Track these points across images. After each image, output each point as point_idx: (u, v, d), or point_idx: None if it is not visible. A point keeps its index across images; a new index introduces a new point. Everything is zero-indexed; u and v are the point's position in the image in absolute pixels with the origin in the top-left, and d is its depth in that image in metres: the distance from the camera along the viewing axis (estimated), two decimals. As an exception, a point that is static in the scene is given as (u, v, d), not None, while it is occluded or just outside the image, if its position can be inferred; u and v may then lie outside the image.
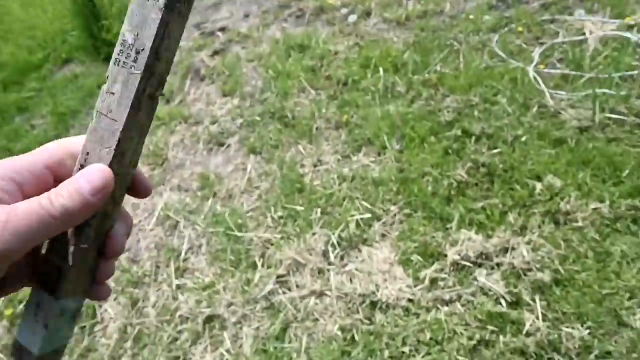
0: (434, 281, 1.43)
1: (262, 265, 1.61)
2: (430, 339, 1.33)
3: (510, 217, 1.52)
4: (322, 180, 1.84)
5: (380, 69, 2.15)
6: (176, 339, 1.53)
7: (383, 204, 1.68)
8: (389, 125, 1.92)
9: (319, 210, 1.72)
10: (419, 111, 1.94)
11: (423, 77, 2.08)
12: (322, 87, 2.25)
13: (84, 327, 1.63)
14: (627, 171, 1.54)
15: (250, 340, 1.46)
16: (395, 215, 1.65)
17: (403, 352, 1.32)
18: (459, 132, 1.79)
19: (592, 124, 1.72)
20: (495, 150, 1.71)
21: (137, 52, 0.33)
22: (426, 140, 1.82)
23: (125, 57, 0.34)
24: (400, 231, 1.60)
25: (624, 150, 1.61)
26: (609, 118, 1.73)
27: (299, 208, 1.74)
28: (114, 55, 0.34)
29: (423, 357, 1.30)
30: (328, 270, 1.54)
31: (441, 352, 1.29)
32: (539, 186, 1.57)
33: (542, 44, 2.13)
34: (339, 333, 1.41)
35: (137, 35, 0.33)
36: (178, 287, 1.65)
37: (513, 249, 1.44)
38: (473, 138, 1.77)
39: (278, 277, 1.57)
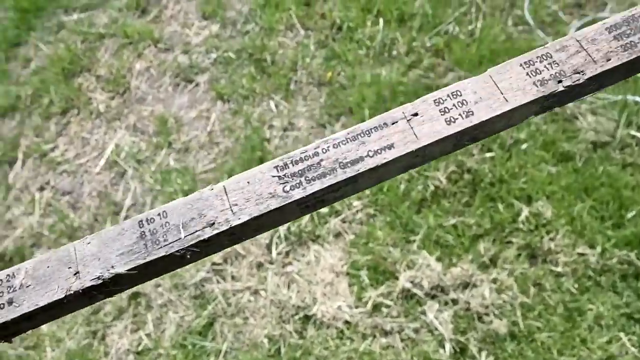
0: (377, 306, 1.25)
1: (200, 246, 1.43)
2: (358, 372, 1.18)
3: (482, 244, 1.29)
4: (288, 150, 1.58)
5: (381, 20, 1.77)
6: (98, 311, 1.41)
7: (346, 196, 1.45)
8: (375, 95, 1.61)
9: (275, 189, 1.49)
10: (414, 84, 1.61)
11: (429, 38, 1.70)
12: (313, 28, 1.88)
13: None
14: (633, 212, 1.27)
15: (173, 329, 1.33)
16: (356, 212, 1.43)
17: (325, 382, 1.19)
18: (451, 123, 1.48)
19: (611, 140, 1.41)
20: (487, 155, 1.42)
21: None
22: (412, 125, 1.52)
23: None
24: (357, 234, 1.38)
25: (638, 183, 1.32)
26: (633, 136, 1.40)
27: (253, 183, 1.51)
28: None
29: (344, 392, 1.16)
30: (267, 268, 1.36)
31: (365, 391, 1.15)
32: (525, 211, 1.31)
33: (583, 16, 1.71)
34: (265, 341, 1.27)
35: None
36: (109, 253, 1.49)
37: (474, 286, 1.23)
38: (466, 134, 1.47)
39: (214, 264, 1.39)
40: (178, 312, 1.35)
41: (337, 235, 1.40)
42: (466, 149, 1.43)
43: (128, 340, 1.33)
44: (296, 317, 1.28)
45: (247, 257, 1.39)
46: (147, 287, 1.39)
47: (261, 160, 1.57)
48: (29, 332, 1.34)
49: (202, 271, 1.38)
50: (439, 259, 1.28)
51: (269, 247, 1.39)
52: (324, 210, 1.41)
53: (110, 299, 1.37)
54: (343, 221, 1.42)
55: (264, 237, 1.40)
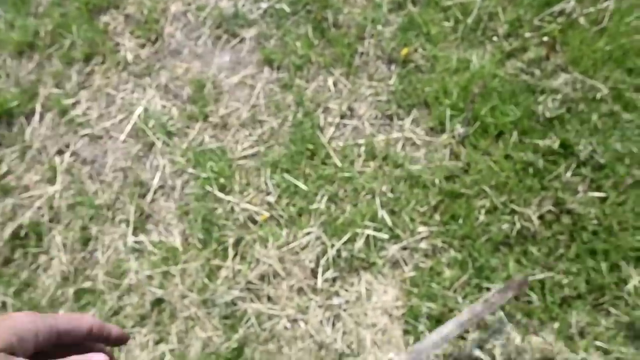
0: (436, 369, 1.03)
1: (235, 256, 1.20)
2: None
3: (574, 312, 1.02)
4: (345, 146, 1.27)
5: (482, -15, 1.33)
6: (118, 312, 1.23)
7: (411, 219, 1.17)
8: (461, 87, 1.25)
9: (325, 196, 1.21)
10: (512, 81, 1.23)
11: (540, 20, 1.28)
12: (390, -18, 1.45)
13: (27, 252, 1.33)
14: None
15: (198, 347, 1.15)
16: (420, 241, 1.15)
17: None
18: (555, 145, 1.13)
19: None
20: (595, 194, 1.10)
21: None
22: (505, 139, 1.18)
23: None
24: (419, 269, 1.12)
25: None
26: None
27: (301, 185, 1.23)
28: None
29: None
30: (310, 298, 1.13)
31: None
32: (636, 279, 1.02)
33: None
34: (301, 381, 1.08)
35: None
36: (134, 249, 1.27)
37: (558, 365, 0.99)
38: (574, 161, 1.13)
39: (249, 282, 1.17)
40: (206, 330, 1.15)
41: (395, 265, 1.15)
42: (569, 184, 1.11)
43: (150, 353, 1.16)
44: (339, 363, 1.07)
45: (288, 280, 1.16)
46: (172, 295, 1.19)
47: (312, 155, 1.27)
48: None
49: (235, 289, 1.16)
50: (516, 322, 1.03)
51: (314, 271, 1.15)
52: (383, 235, 1.14)
53: (131, 302, 1.18)
54: (404, 249, 1.15)
55: (309, 259, 1.15)
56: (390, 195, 1.19)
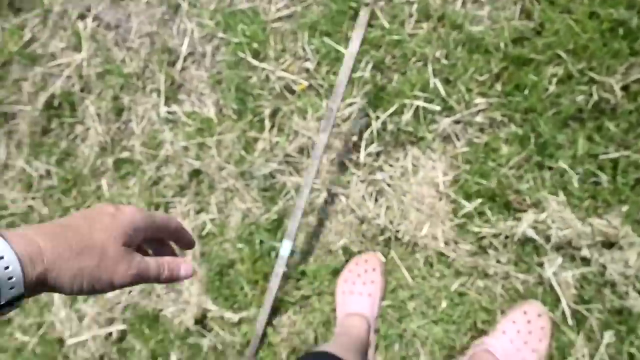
0: (483, 247, 0.98)
1: (272, 128, 1.12)
2: (439, 310, 0.99)
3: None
4: (394, 4, 1.10)
5: None
6: (157, 182, 1.22)
7: (468, 89, 1.03)
8: None
9: (371, 62, 1.08)
10: None
11: None
12: None
13: (63, 123, 1.30)
14: None
15: (238, 218, 1.14)
16: (477, 114, 1.03)
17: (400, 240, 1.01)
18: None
19: None
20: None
21: None
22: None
23: None
24: (473, 145, 1.02)
25: None
26: None
27: (342, 50, 1.09)
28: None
29: (418, 324, 1.00)
30: (352, 173, 1.06)
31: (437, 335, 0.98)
32: None
33: None
34: (340, 252, 1.07)
35: None
36: (167, 120, 1.21)
37: (620, 248, 0.91)
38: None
39: (287, 155, 1.10)
40: (245, 202, 1.13)
41: (446, 140, 1.04)
42: (669, 45, 0.91)
43: (191, 222, 1.16)
44: (380, 238, 1.04)
45: (328, 153, 1.08)
46: (210, 167, 1.15)
47: (355, 16, 1.10)
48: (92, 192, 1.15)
49: (273, 162, 1.11)
50: (576, 204, 0.93)
51: (356, 145, 1.07)
52: (435, 107, 1.02)
53: (169, 172, 1.16)
54: (457, 122, 1.04)
55: (351, 132, 1.06)
56: (444, 61, 1.04)
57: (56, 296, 1.22)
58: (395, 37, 1.07)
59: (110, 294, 1.18)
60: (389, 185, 1.04)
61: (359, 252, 1.04)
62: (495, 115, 1.01)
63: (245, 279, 1.10)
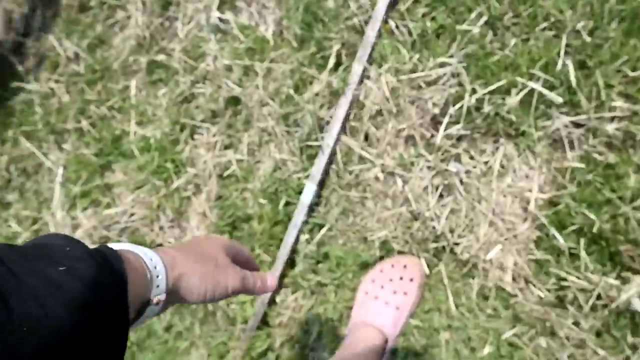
0: (563, 301, 0.73)
1: (335, 69, 0.88)
2: (478, 356, 0.78)
3: None
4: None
5: None
6: (189, 100, 1.03)
7: (607, 84, 0.74)
8: None
9: (485, 16, 0.80)
10: None
11: None
12: None
13: (104, 3, 1.11)
14: None
15: (268, 168, 0.94)
16: (610, 121, 0.74)
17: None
18: None
19: None
20: None
21: None
22: None
23: None
24: (591, 162, 0.74)
25: None
26: None
27: (454, -10, 0.81)
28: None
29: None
30: (420, 153, 0.82)
31: None
32: None
33: None
34: (377, 242, 0.86)
35: None
36: (217, 28, 0.99)
37: None
38: None
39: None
40: (281, 151, 0.93)
41: (555, 144, 0.77)
42: None
43: (214, 158, 0.98)
44: (431, 245, 0.82)
45: (397, 120, 0.84)
46: (251, 98, 0.94)
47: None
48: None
49: (326, 112, 0.88)
50: None
51: (435, 119, 0.82)
52: (556, 95, 0.75)
53: (205, 92, 0.97)
54: (577, 125, 0.76)
55: (434, 101, 0.81)
56: (586, 38, 0.75)
57: (57, 193, 1.10)
58: (530, -11, 0.77)
59: (113, 210, 1.05)
60: (462, 182, 0.80)
61: (399, 253, 0.83)
62: (635, 130, 0.72)
63: (258, 240, 0.92)
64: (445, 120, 0.80)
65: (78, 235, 1.06)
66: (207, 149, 0.99)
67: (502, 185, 0.77)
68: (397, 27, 0.85)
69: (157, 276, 0.35)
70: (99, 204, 1.07)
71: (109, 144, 1.07)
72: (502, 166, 0.79)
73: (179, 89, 1.02)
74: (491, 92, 0.77)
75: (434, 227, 0.80)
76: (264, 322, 0.91)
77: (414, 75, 0.81)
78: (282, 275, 0.90)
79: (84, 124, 1.09)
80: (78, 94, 1.13)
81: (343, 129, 0.88)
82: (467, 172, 0.80)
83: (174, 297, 0.38)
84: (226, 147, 0.99)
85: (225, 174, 0.97)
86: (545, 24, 0.78)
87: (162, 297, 0.36)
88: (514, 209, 0.76)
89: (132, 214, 1.04)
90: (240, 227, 0.94)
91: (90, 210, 1.07)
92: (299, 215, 0.88)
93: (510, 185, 0.77)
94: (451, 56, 0.80)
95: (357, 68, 0.84)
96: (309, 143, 0.89)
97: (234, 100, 0.97)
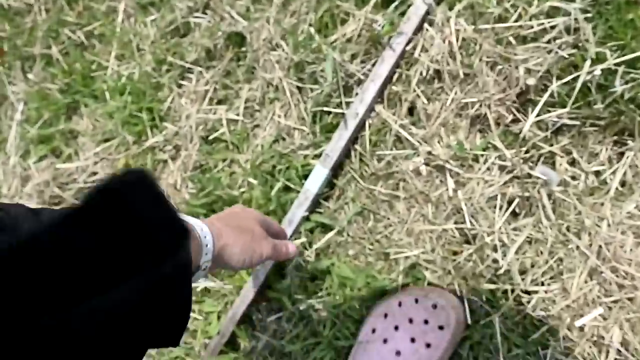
0: None
1: (382, 4, 0.60)
2: None
3: None
4: None
5: None
6: (181, 34, 0.77)
7: None
8: None
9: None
10: None
11: None
12: None
13: None
14: None
15: (268, 137, 0.68)
16: None
17: None
18: None
19: None
20: None
21: None
22: None
23: None
24: None
25: None
26: None
27: None
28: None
29: None
30: (490, 142, 0.54)
31: None
32: None
33: None
34: (402, 267, 0.59)
35: None
36: None
37: None
38: None
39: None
40: (289, 116, 0.66)
41: None
42: None
43: (200, 113, 0.72)
44: (484, 285, 0.53)
45: (466, 93, 0.55)
46: (258, 39, 0.67)
47: None
48: None
49: (358, 65, 0.60)
50: None
51: (524, 98, 0.53)
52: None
53: (202, 23, 0.71)
54: None
55: (530, 69, 0.52)
56: None
57: (13, 133, 0.88)
58: None
59: (72, 165, 0.81)
60: (551, 198, 0.51)
61: (431, 285, 0.56)
62: None
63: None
64: (543, 99, 0.50)
65: (26, 190, 0.83)
66: (193, 100, 0.73)
67: (620, 213, 0.48)
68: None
69: (207, 245, 0.39)
70: (60, 154, 0.84)
71: (79, 80, 0.83)
72: (624, 183, 0.49)
73: (170, 16, 0.76)
74: (629, 64, 0.47)
75: (494, 260, 0.52)
76: (231, 344, 0.66)
77: (502, 25, 0.52)
78: (264, 287, 0.64)
79: (54, 50, 0.86)
80: (56, 12, 0.89)
81: (380, 95, 0.60)
82: (563, 183, 0.51)
83: (218, 263, 0.41)
84: (219, 102, 0.73)
85: (212, 137, 0.71)
86: None
87: (209, 264, 0.39)
88: (636, 254, 0.46)
89: (93, 173, 0.80)
90: (219, 211, 0.69)
91: (46, 162, 0.84)
92: (299, 207, 0.62)
93: (633, 215, 0.48)
94: (569, 1, 0.51)
95: (417, 5, 0.56)
96: (328, 109, 0.62)
97: (237, 38, 0.71)
